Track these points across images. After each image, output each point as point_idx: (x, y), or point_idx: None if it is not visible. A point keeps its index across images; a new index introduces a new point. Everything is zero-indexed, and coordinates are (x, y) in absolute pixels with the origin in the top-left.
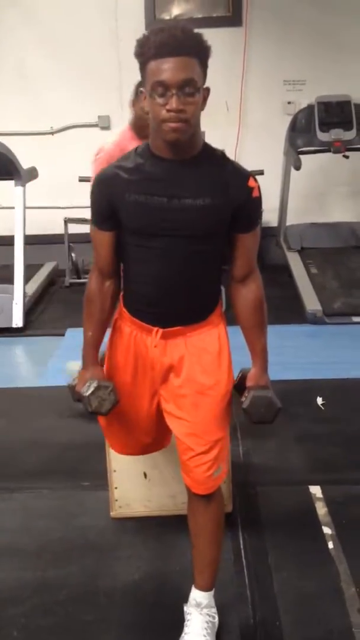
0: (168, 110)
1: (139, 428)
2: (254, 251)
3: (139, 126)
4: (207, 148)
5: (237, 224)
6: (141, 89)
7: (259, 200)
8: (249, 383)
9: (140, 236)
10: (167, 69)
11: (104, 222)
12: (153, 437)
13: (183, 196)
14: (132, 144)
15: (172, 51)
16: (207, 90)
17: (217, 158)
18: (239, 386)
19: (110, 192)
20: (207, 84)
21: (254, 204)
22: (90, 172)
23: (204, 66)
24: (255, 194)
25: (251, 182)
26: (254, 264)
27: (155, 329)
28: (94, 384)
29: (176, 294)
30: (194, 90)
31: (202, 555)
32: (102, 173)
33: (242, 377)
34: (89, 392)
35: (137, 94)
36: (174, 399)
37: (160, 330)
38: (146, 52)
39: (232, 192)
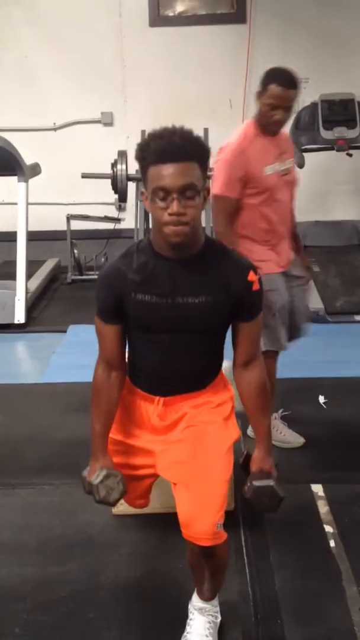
0: (169, 214)
1: (144, 487)
2: (257, 338)
3: (264, 124)
4: (209, 244)
5: (239, 315)
6: (142, 190)
7: (259, 293)
8: (252, 467)
9: (144, 331)
10: (167, 174)
11: (109, 317)
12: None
13: (185, 295)
14: (257, 141)
15: (172, 157)
16: (208, 190)
17: (218, 253)
18: (244, 465)
19: (117, 291)
20: (210, 82)
21: (254, 297)
22: (215, 174)
23: (204, 168)
24: (255, 287)
25: (251, 276)
26: (257, 350)
27: (157, 398)
28: (103, 473)
29: (178, 376)
30: (194, 194)
31: (203, 582)
32: (108, 271)
33: (247, 456)
34: (98, 480)
35: (264, 87)
36: (172, 450)
37: (162, 400)
38: (146, 157)
39: (233, 287)
